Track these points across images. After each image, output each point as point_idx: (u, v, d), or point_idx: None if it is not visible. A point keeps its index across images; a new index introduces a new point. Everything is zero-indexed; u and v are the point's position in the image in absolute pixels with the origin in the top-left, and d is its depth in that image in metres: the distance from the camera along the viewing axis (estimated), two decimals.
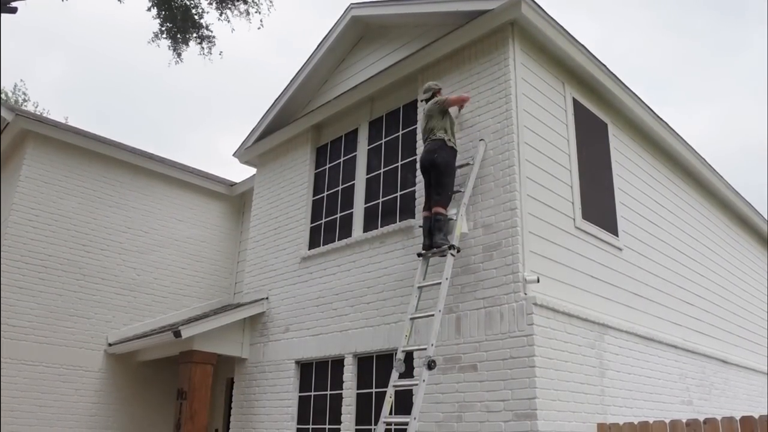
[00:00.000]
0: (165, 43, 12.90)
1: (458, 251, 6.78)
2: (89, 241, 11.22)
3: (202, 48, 11.89)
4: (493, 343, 6.44)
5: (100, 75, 53.63)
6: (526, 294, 6.39)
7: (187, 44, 11.80)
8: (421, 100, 7.79)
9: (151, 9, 11.61)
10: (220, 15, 11.62)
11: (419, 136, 7.81)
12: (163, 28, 11.69)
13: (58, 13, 47.55)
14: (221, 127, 65.75)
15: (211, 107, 65.32)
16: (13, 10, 8.50)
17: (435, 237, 6.75)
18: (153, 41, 11.68)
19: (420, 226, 7.15)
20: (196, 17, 11.48)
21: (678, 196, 10.38)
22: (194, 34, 11.69)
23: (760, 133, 53.89)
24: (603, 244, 8.00)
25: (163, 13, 11.40)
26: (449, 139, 7.10)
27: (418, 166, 7.58)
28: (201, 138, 64.30)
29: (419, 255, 7.01)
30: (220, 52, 12.51)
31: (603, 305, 7.59)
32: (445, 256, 6.70)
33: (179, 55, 11.93)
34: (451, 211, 6.97)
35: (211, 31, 11.82)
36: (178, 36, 11.62)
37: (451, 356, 6.77)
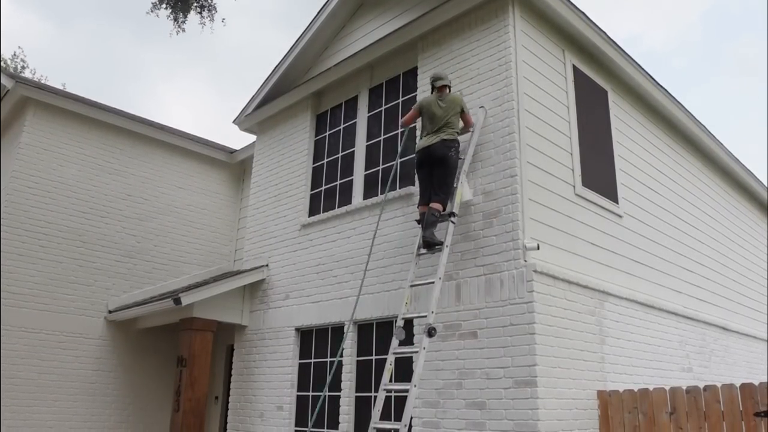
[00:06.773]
0: (164, 13, 12.65)
1: (454, 216, 6.76)
2: (89, 208, 11.20)
3: (202, 17, 11.67)
4: (494, 310, 6.45)
5: (98, 42, 53.27)
6: (526, 261, 6.38)
7: (186, 13, 11.57)
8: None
9: None
10: None
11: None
12: None
13: None
14: (222, 94, 65.44)
15: (212, 74, 64.92)
16: None
17: (426, 231, 6.63)
18: (152, 11, 11.46)
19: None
20: None
21: (678, 163, 10.33)
22: (195, 3, 11.47)
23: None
24: (603, 211, 7.98)
25: None
26: (459, 143, 7.00)
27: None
28: (201, 105, 64.00)
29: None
30: (223, 19, 12.18)
31: (603, 272, 7.59)
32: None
33: (180, 25, 11.71)
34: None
35: (211, 1, 11.59)
36: (178, 3, 11.39)
37: (451, 323, 6.78)
